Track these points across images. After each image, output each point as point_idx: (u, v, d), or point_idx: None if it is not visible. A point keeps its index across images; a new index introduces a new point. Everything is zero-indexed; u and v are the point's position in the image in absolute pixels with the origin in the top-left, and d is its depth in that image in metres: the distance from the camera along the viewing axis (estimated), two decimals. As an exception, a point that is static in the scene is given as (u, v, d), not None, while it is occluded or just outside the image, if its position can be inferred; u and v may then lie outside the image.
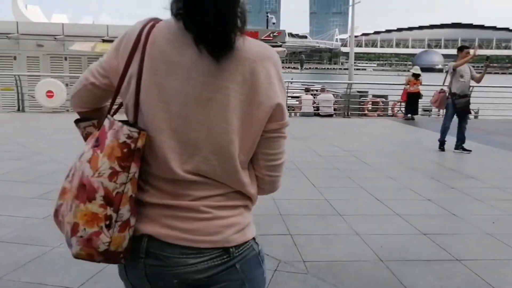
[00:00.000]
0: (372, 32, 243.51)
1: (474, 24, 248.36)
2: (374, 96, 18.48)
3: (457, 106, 8.38)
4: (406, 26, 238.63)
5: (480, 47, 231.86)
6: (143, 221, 1.14)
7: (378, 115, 17.00)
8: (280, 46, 16.81)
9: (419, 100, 14.49)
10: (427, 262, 3.43)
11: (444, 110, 9.19)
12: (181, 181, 1.13)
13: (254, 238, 1.22)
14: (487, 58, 10.87)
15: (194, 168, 1.13)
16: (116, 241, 1.09)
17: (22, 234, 3.82)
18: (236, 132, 1.12)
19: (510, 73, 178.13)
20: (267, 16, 19.89)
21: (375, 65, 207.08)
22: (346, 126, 12.59)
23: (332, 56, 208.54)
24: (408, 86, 14.25)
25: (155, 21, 1.16)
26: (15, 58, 16.38)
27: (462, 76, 8.39)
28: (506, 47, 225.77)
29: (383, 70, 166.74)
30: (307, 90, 16.62)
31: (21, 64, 16.26)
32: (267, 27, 20.72)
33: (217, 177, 1.15)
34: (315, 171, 6.40)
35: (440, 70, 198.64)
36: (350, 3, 17.40)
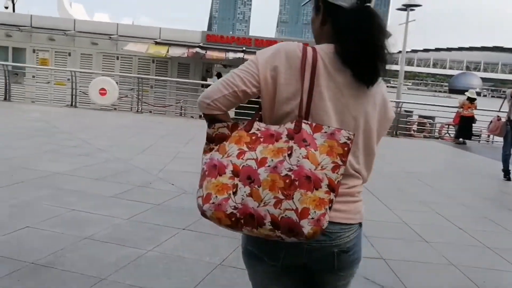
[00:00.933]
0: (409, 50, 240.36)
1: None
2: (420, 116, 18.11)
3: None
4: (445, 47, 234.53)
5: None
6: None
7: (424, 137, 16.64)
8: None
9: (473, 124, 14.15)
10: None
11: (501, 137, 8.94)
12: (347, 172, 1.44)
13: None
14: None
15: (350, 164, 1.46)
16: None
17: (113, 234, 3.81)
18: (375, 141, 1.58)
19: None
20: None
21: (410, 83, 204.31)
22: (398, 146, 12.30)
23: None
24: (462, 109, 13.88)
25: (309, 46, 1.45)
26: (69, 54, 16.81)
27: None
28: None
29: (418, 89, 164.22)
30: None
31: (75, 61, 16.69)
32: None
33: (360, 171, 1.55)
34: (384, 192, 6.23)
35: (478, 94, 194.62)
36: (404, 20, 17.20)
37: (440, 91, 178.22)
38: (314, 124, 1.37)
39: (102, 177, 5.67)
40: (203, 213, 1.37)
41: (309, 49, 1.42)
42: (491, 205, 6.26)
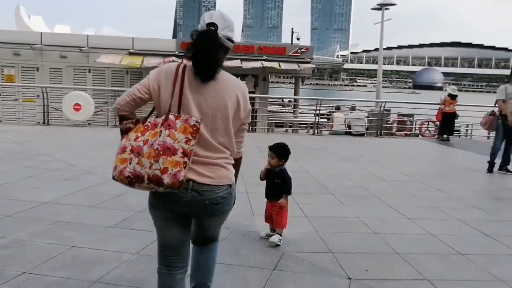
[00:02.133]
0: (373, 49, 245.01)
1: (473, 43, 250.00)
2: (400, 115, 18.11)
3: (507, 128, 8.21)
4: (406, 44, 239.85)
5: (480, 66, 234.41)
6: (189, 171, 2.13)
7: (405, 135, 16.62)
8: (309, 62, 16.46)
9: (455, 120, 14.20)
10: None
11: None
12: (212, 148, 2.21)
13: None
14: None
15: (218, 141, 2.23)
16: (185, 176, 2.07)
17: (126, 274, 3.36)
18: (231, 126, 2.24)
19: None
20: (292, 32, 19.46)
21: (376, 82, 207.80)
22: (385, 147, 12.19)
23: (333, 72, 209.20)
24: (444, 106, 13.88)
25: (183, 63, 2.20)
26: (37, 69, 16.02)
27: None
28: (504, 67, 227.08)
29: (384, 87, 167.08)
30: (338, 108, 16.23)
31: (43, 76, 15.91)
32: (291, 43, 20.39)
33: (226, 147, 2.26)
34: (393, 199, 5.96)
35: (440, 88, 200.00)
36: (380, 20, 17.15)
37: (405, 87, 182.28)
38: (176, 115, 2.13)
39: (97, 204, 5.18)
40: (113, 178, 2.19)
41: (181, 66, 2.20)
42: (504, 205, 6.07)
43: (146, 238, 4.03)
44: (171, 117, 2.11)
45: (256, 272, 3.46)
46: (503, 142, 8.44)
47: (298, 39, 20.95)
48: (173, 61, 15.63)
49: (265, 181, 4.17)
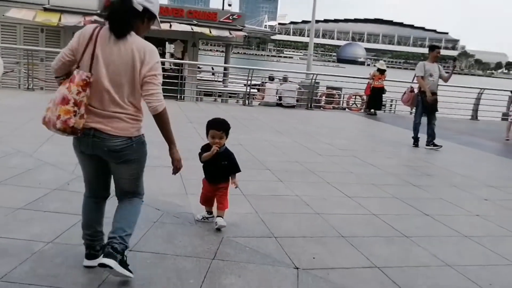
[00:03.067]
0: (300, 21, 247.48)
1: (394, 21, 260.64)
2: (329, 88, 18.22)
3: (426, 104, 8.54)
4: (332, 18, 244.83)
5: (399, 43, 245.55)
6: (92, 119, 2.57)
7: (333, 108, 16.78)
8: (241, 30, 15.90)
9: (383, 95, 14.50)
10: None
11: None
12: (115, 102, 2.57)
13: (143, 135, 2.69)
14: (454, 59, 11.01)
15: (122, 96, 2.57)
16: (77, 123, 2.51)
17: (38, 269, 2.81)
18: (137, 82, 2.56)
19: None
20: (222, -3, 18.77)
21: (302, 54, 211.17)
22: (316, 119, 12.15)
23: (261, 42, 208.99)
24: (373, 80, 14.08)
25: (100, 26, 2.60)
26: None
27: (431, 75, 8.60)
28: (421, 45, 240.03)
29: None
30: (271, 79, 15.89)
31: None
32: (222, 9, 19.62)
33: (130, 102, 2.60)
34: (331, 175, 5.78)
35: (362, 63, 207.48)
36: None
37: (329, 61, 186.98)
38: (79, 71, 2.53)
39: (5, 180, 4.46)
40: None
41: (97, 28, 2.58)
42: (434, 181, 6.13)
43: (62, 223, 3.48)
44: (74, 72, 2.54)
45: (193, 262, 3.07)
46: (423, 117, 8.69)
47: (229, 5, 20.23)
48: (95, 20, 14.39)
49: (200, 161, 3.68)
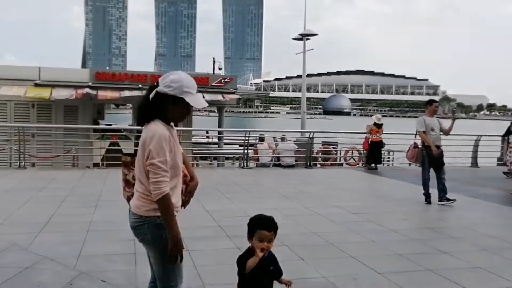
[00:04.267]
0: (284, 77, 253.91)
1: (375, 71, 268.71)
2: (324, 144, 18.06)
3: (432, 158, 8.36)
4: (315, 72, 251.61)
5: (382, 92, 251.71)
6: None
7: (332, 164, 16.51)
8: (233, 93, 15.88)
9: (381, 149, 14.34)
10: None
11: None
12: (138, 182, 2.68)
13: (158, 217, 2.59)
14: (453, 111, 10.99)
15: (140, 177, 2.66)
16: (124, 195, 2.92)
17: None
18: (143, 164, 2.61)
19: (409, 116, 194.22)
20: (214, 62, 18.76)
21: (288, 108, 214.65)
22: (319, 178, 11.83)
23: (247, 100, 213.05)
24: (370, 135, 13.95)
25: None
26: None
27: (433, 130, 8.50)
28: (403, 93, 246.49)
29: (295, 113, 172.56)
30: (261, 139, 15.74)
31: None
32: (213, 73, 19.74)
33: (144, 183, 2.62)
34: (352, 247, 5.37)
35: (348, 113, 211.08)
36: (298, 50, 17.14)
37: (316, 113, 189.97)
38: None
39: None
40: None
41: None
42: (461, 244, 5.73)
43: None
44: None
45: None
46: (431, 171, 8.48)
47: (220, 68, 20.39)
48: (87, 92, 14.32)
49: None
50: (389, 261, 4.95)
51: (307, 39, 17.52)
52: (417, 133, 8.67)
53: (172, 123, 2.71)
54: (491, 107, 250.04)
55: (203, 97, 15.21)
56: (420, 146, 8.68)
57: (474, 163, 15.65)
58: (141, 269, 4.41)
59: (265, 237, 2.68)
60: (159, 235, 2.58)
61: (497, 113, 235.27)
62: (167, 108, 2.62)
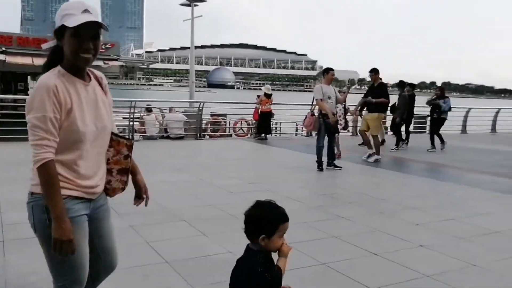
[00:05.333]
0: (167, 48, 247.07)
1: (258, 45, 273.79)
2: (213, 115, 17.70)
3: (328, 126, 8.50)
4: (199, 44, 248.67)
5: (264, 66, 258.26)
6: None
7: (221, 135, 16.27)
8: (116, 59, 14.67)
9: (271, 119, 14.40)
10: None
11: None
12: None
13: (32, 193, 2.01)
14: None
15: None
16: None
17: None
18: None
19: (289, 90, 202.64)
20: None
21: (172, 81, 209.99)
22: (210, 149, 11.48)
23: (128, 71, 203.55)
24: (260, 105, 13.88)
25: None
26: None
27: (329, 98, 8.60)
28: (284, 67, 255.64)
29: (180, 86, 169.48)
30: (148, 110, 14.84)
31: None
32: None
33: None
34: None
35: (232, 87, 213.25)
36: (185, 18, 16.25)
37: (200, 86, 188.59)
38: None
39: None
40: None
41: None
42: (361, 208, 5.80)
43: None
44: None
45: None
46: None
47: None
48: None
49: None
50: (296, 230, 4.75)
51: (195, 5, 16.79)
52: (315, 100, 8.69)
53: (98, 78, 2.17)
54: (361, 81, 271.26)
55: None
56: (316, 114, 8.73)
57: (355, 132, 16.52)
58: (11, 259, 3.68)
59: (285, 230, 2.03)
60: (43, 220, 1.97)
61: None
62: (59, 51, 2.04)
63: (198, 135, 13.55)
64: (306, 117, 9.44)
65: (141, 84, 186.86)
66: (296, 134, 17.60)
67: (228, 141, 14.28)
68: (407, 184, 7.77)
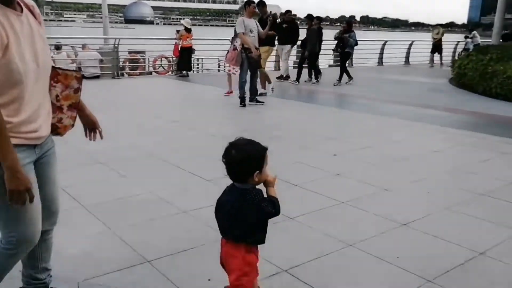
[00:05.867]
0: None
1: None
2: (131, 52, 16.84)
3: (251, 60, 8.42)
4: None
5: (184, 0, 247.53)
6: None
7: (141, 73, 15.61)
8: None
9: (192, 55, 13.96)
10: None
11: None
12: None
13: None
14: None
15: None
16: None
17: None
18: None
19: (212, 25, 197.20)
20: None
21: (85, 16, 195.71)
22: (130, 89, 11.02)
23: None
24: (180, 41, 13.35)
25: None
26: None
27: (251, 31, 8.48)
28: (206, 1, 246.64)
29: (94, 21, 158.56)
30: (57, 48, 13.74)
31: None
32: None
33: None
34: (178, 157, 5.03)
35: (151, 22, 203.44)
36: None
37: (116, 22, 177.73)
38: None
39: None
40: None
41: None
42: (283, 143, 5.90)
43: None
44: None
45: None
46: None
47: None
48: None
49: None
50: (214, 165, 4.75)
51: None
52: (237, 34, 8.48)
53: (30, 7, 1.89)
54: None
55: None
56: (239, 49, 8.53)
57: (277, 67, 16.54)
58: None
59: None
60: None
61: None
62: None
63: (116, 73, 12.87)
64: (228, 52, 9.27)
65: (50, 20, 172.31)
66: (218, 71, 17.32)
67: (148, 79, 13.75)
68: (326, 116, 8.00)
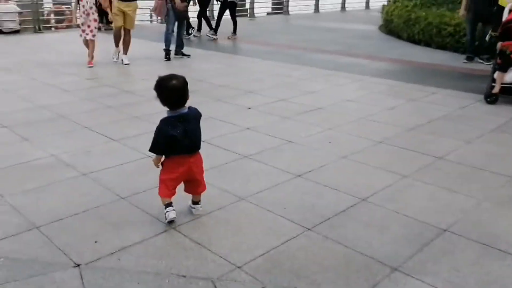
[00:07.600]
0: None
1: None
2: (56, 4, 15.88)
3: (176, 11, 8.23)
4: None
5: None
6: None
7: (67, 27, 14.79)
8: None
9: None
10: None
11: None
12: None
13: None
14: None
15: None
16: None
17: None
18: None
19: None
20: None
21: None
22: (52, 45, 10.44)
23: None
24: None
25: None
26: None
27: None
28: None
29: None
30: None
31: None
32: None
33: None
34: (88, 117, 4.92)
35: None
36: None
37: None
38: None
39: None
40: None
41: None
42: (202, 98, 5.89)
43: None
44: None
45: None
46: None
47: None
48: None
49: None
50: (126, 125, 4.72)
51: None
52: None
53: None
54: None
55: None
56: None
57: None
58: None
59: None
60: None
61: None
62: None
63: (37, 27, 12.15)
64: (155, 1, 8.96)
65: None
66: (151, 22, 16.69)
67: (74, 32, 13.02)
68: (249, 68, 7.99)
